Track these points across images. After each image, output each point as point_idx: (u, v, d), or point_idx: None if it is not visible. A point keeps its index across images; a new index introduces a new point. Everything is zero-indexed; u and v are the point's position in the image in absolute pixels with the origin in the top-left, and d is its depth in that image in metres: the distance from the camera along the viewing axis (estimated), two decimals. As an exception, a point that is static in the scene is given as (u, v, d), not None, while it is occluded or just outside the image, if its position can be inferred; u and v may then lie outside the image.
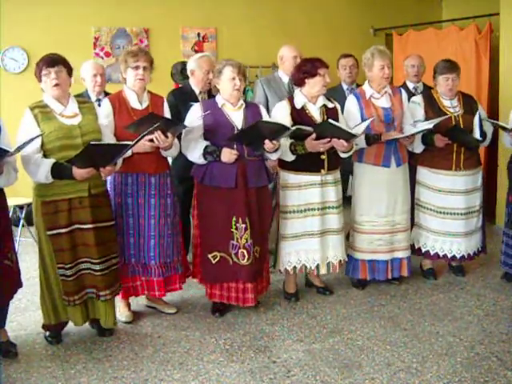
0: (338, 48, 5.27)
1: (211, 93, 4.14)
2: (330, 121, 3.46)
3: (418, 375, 2.93)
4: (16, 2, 5.61)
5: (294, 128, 3.40)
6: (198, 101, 3.96)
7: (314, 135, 3.50)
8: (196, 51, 6.15)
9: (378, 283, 4.10)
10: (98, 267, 3.21)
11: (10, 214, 5.08)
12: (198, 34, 6.41)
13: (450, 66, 4.00)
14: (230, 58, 3.54)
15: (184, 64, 4.88)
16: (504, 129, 3.95)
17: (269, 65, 6.23)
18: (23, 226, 5.07)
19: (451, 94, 4.02)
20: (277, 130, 3.37)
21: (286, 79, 4.49)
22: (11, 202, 4.84)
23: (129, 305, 3.68)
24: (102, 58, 5.98)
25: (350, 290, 4.08)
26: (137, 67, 3.37)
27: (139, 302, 3.82)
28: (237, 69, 3.44)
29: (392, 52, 6.34)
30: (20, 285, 3.21)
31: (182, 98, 4.04)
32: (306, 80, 3.65)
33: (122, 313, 3.63)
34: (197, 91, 4.15)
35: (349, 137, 3.51)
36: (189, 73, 4.21)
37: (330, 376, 2.94)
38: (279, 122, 3.43)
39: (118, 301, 3.60)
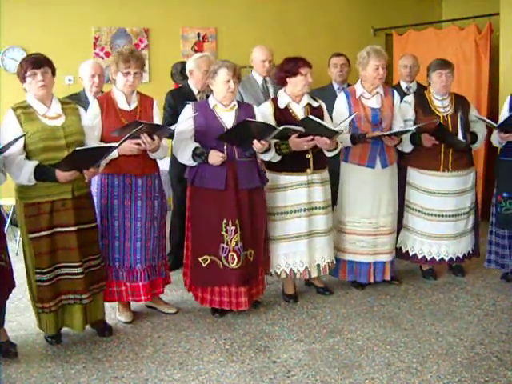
0: (337, 48, 5.25)
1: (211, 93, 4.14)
2: (311, 117, 3.44)
3: (418, 375, 2.93)
4: (16, 1, 5.61)
5: (281, 128, 3.37)
6: (196, 101, 3.97)
7: (297, 134, 3.47)
8: (196, 51, 6.15)
9: (377, 283, 4.10)
10: (78, 270, 3.16)
11: (10, 214, 5.10)
12: (198, 34, 6.41)
13: (443, 63, 4.00)
14: (225, 60, 3.53)
15: (184, 64, 4.88)
16: (491, 125, 3.95)
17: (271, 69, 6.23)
18: (23, 226, 5.06)
19: (445, 91, 4.00)
20: (264, 130, 3.35)
21: (259, 80, 4.56)
22: (10, 202, 4.86)
23: (129, 305, 3.67)
24: (102, 58, 5.98)
25: (349, 290, 4.08)
26: (127, 73, 3.33)
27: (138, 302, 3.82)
28: (232, 71, 3.42)
29: (392, 52, 6.37)
30: (13, 285, 3.18)
31: (181, 98, 4.05)
32: (288, 79, 3.64)
33: (121, 313, 3.63)
34: (195, 91, 4.16)
35: (331, 134, 3.49)
36: (188, 73, 4.22)
37: (330, 376, 2.94)
38: (266, 122, 3.42)
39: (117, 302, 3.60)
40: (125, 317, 3.61)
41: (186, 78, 4.42)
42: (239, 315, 3.65)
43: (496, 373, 2.93)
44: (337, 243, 4.00)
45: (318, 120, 3.43)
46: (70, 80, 5.64)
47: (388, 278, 4.07)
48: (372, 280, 4.03)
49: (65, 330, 3.37)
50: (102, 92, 4.23)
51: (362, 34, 6.93)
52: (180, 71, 6.11)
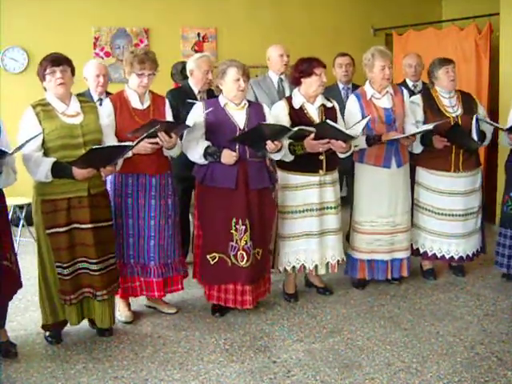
0: (338, 48, 5.26)
1: (210, 92, 4.14)
2: (328, 121, 3.45)
3: (418, 375, 2.93)
4: (16, 1, 5.61)
5: (296, 129, 3.39)
6: (197, 100, 3.96)
7: (312, 135, 3.49)
8: (196, 51, 6.15)
9: (377, 283, 4.10)
10: (95, 267, 3.21)
11: (10, 214, 5.10)
12: (198, 34, 6.41)
13: (445, 59, 4.02)
14: (233, 59, 3.53)
15: (184, 64, 4.88)
16: (499, 128, 3.95)
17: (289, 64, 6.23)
18: (23, 225, 5.08)
19: (453, 85, 4.00)
20: (279, 131, 3.37)
21: (275, 79, 4.56)
22: (11, 201, 4.86)
23: (129, 305, 3.68)
24: (102, 58, 5.98)
25: (349, 290, 4.08)
26: (142, 74, 3.36)
27: (139, 302, 3.81)
28: (241, 70, 3.43)
29: (392, 52, 6.35)
30: (20, 285, 3.21)
31: (181, 97, 4.05)
32: (303, 79, 3.65)
33: (121, 313, 3.63)
34: (196, 91, 4.16)
35: (347, 138, 3.51)
36: (188, 73, 4.22)
37: (330, 376, 2.94)
38: (281, 124, 3.44)
39: (118, 301, 3.60)
40: (125, 317, 3.62)
41: (186, 77, 4.42)
42: (239, 315, 3.65)
43: (496, 373, 2.93)
44: (353, 243, 4.02)
45: (335, 125, 3.46)
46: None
47: (405, 274, 4.09)
48: (389, 277, 4.06)
49: (65, 329, 3.37)
50: (107, 92, 4.25)
51: (362, 34, 6.93)
52: (180, 71, 6.09)
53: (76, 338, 3.37)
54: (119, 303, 3.64)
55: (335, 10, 6.94)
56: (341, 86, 4.85)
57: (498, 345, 3.23)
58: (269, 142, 3.36)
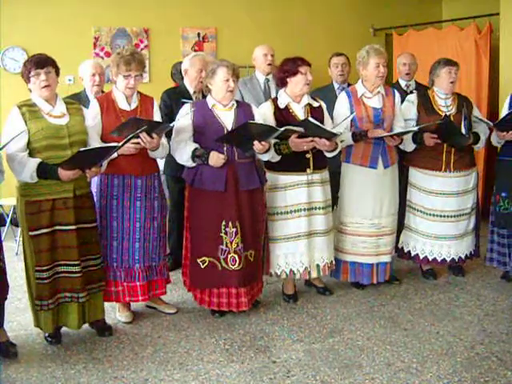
0: (337, 48, 5.25)
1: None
2: (310, 119, 3.45)
3: (418, 375, 2.93)
4: (16, 1, 5.61)
5: (282, 129, 3.37)
6: (192, 100, 3.96)
7: (296, 134, 3.47)
8: (196, 51, 6.14)
9: (377, 283, 4.09)
10: (75, 269, 3.17)
11: (10, 215, 5.10)
12: (198, 34, 6.41)
13: (451, 60, 4.02)
14: (223, 59, 3.53)
15: (184, 64, 4.90)
16: (486, 123, 3.96)
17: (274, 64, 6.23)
18: (23, 226, 5.06)
19: (452, 88, 3.99)
20: (265, 131, 3.35)
21: (261, 79, 4.59)
22: (10, 202, 4.86)
23: (129, 305, 3.67)
24: (102, 57, 5.97)
25: (349, 290, 4.08)
26: (128, 76, 3.33)
27: (139, 302, 3.81)
28: (231, 70, 3.42)
29: (392, 52, 6.36)
30: (7, 285, 3.17)
31: (176, 97, 4.04)
32: (288, 79, 3.64)
33: (121, 313, 3.63)
34: (191, 91, 4.15)
35: (330, 136, 3.50)
36: (183, 72, 4.21)
37: (329, 376, 2.94)
38: (267, 124, 3.43)
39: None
40: (125, 317, 3.61)
41: (185, 77, 4.43)
42: (239, 315, 3.65)
43: (496, 373, 2.93)
44: (337, 244, 4.00)
45: (317, 123, 3.44)
46: (70, 80, 5.63)
47: (387, 278, 4.07)
48: (375, 281, 4.03)
49: (65, 329, 3.37)
50: (103, 91, 4.23)
51: (362, 34, 6.93)
52: (180, 71, 6.09)
53: (76, 338, 3.37)
54: (119, 303, 3.63)
55: (335, 10, 6.93)
56: (336, 85, 4.83)
57: (497, 345, 3.23)
58: (256, 143, 3.34)
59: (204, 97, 4.03)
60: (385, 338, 3.35)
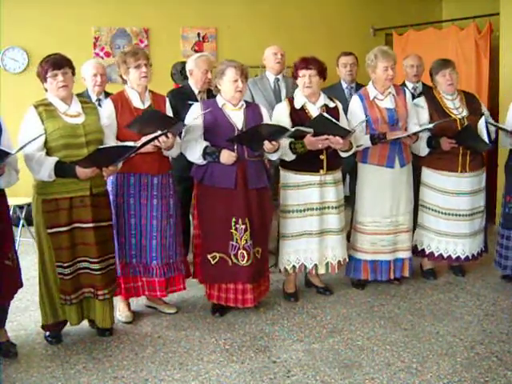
0: (337, 48, 5.24)
1: (210, 92, 4.14)
2: (324, 114, 3.47)
3: (418, 375, 2.93)
4: (16, 1, 5.61)
5: (293, 129, 3.41)
6: (197, 101, 3.97)
7: (312, 132, 3.49)
8: (196, 51, 6.14)
9: (377, 283, 4.10)
10: (96, 266, 3.22)
11: (10, 214, 5.10)
12: (198, 34, 6.41)
13: (443, 62, 4.01)
14: (232, 59, 3.54)
15: (184, 64, 4.88)
16: (503, 130, 3.94)
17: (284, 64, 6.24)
18: (23, 225, 5.07)
19: (452, 89, 3.99)
20: (276, 132, 3.38)
21: (272, 79, 4.61)
22: (11, 201, 4.85)
23: (129, 305, 3.68)
24: (102, 57, 5.97)
25: (349, 290, 4.08)
26: (139, 65, 3.37)
27: (139, 302, 3.82)
28: (240, 71, 3.43)
29: (393, 52, 6.36)
30: (20, 285, 3.21)
31: (181, 98, 4.04)
32: (297, 80, 3.69)
33: (121, 313, 3.63)
34: (196, 91, 4.15)
35: (343, 133, 3.51)
36: (187, 73, 4.22)
37: (330, 376, 2.94)
38: (278, 124, 3.45)
39: (118, 301, 3.61)
40: (125, 317, 3.62)
41: (186, 78, 4.43)
42: (239, 315, 3.65)
43: (496, 373, 2.93)
44: (355, 244, 4.02)
45: (331, 118, 3.45)
46: (70, 80, 5.64)
47: (407, 274, 4.09)
48: (392, 277, 4.06)
49: (65, 329, 3.37)
50: (106, 92, 4.24)
51: (362, 34, 6.94)
52: (180, 71, 6.11)
53: (76, 338, 3.37)
54: (119, 303, 3.64)
55: (335, 10, 6.93)
56: (344, 85, 4.84)
57: (497, 345, 3.23)
58: (266, 142, 3.37)
59: (209, 97, 4.06)
60: (385, 338, 3.35)
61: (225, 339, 3.36)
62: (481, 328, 3.45)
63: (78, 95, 4.15)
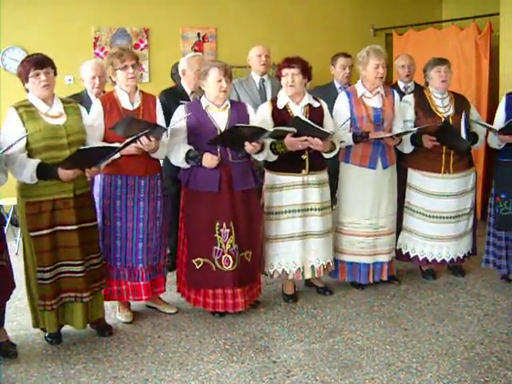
0: (337, 48, 5.24)
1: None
2: (300, 116, 3.46)
3: (418, 375, 2.93)
4: (16, 2, 5.61)
5: (271, 130, 3.38)
6: (190, 101, 3.96)
7: (292, 132, 3.47)
8: (196, 51, 6.14)
9: (377, 283, 4.10)
10: (79, 269, 3.17)
11: (10, 214, 5.10)
12: (198, 34, 6.41)
13: (439, 59, 4.01)
14: (216, 60, 3.53)
15: (184, 64, 4.89)
16: (491, 129, 3.95)
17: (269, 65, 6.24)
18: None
19: (445, 87, 3.98)
20: (255, 133, 3.35)
21: (257, 79, 4.63)
22: (10, 202, 4.86)
23: (129, 305, 3.68)
24: (102, 58, 5.95)
25: (349, 290, 4.08)
26: (125, 67, 3.34)
27: (139, 301, 3.82)
28: (223, 70, 3.41)
29: (392, 52, 6.36)
30: (13, 286, 3.19)
31: (174, 98, 4.03)
32: (280, 80, 3.68)
33: (121, 313, 3.63)
34: (188, 91, 4.14)
35: (322, 135, 3.49)
36: (180, 73, 4.21)
37: (330, 376, 2.94)
38: (256, 125, 3.43)
39: (117, 301, 3.61)
40: (125, 317, 3.61)
41: (185, 78, 4.42)
42: (239, 315, 3.65)
43: (496, 373, 2.93)
44: (335, 244, 3.99)
45: (308, 120, 3.44)
46: (69, 80, 5.64)
47: (385, 278, 4.06)
48: (371, 280, 4.03)
49: (65, 330, 3.37)
50: (104, 92, 4.22)
51: (362, 34, 6.93)
52: (180, 71, 6.10)
53: (76, 338, 3.37)
54: (119, 303, 3.64)
55: (335, 10, 6.93)
56: (337, 85, 4.83)
57: (497, 345, 3.23)
58: (247, 144, 3.34)
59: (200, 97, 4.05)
60: (385, 338, 3.35)
61: (225, 339, 3.36)
62: (481, 328, 3.45)
63: (77, 95, 4.17)
